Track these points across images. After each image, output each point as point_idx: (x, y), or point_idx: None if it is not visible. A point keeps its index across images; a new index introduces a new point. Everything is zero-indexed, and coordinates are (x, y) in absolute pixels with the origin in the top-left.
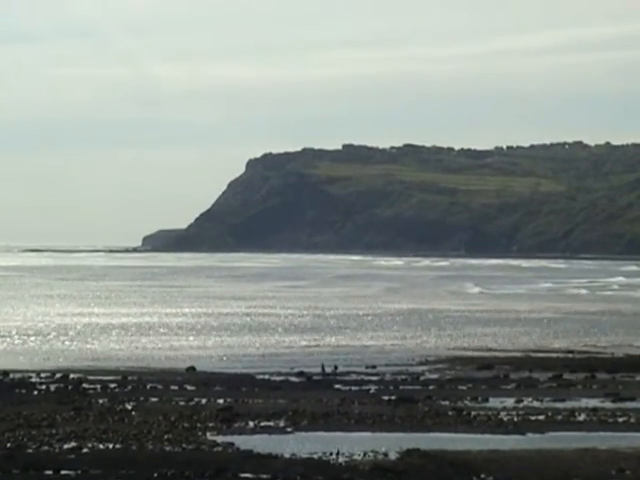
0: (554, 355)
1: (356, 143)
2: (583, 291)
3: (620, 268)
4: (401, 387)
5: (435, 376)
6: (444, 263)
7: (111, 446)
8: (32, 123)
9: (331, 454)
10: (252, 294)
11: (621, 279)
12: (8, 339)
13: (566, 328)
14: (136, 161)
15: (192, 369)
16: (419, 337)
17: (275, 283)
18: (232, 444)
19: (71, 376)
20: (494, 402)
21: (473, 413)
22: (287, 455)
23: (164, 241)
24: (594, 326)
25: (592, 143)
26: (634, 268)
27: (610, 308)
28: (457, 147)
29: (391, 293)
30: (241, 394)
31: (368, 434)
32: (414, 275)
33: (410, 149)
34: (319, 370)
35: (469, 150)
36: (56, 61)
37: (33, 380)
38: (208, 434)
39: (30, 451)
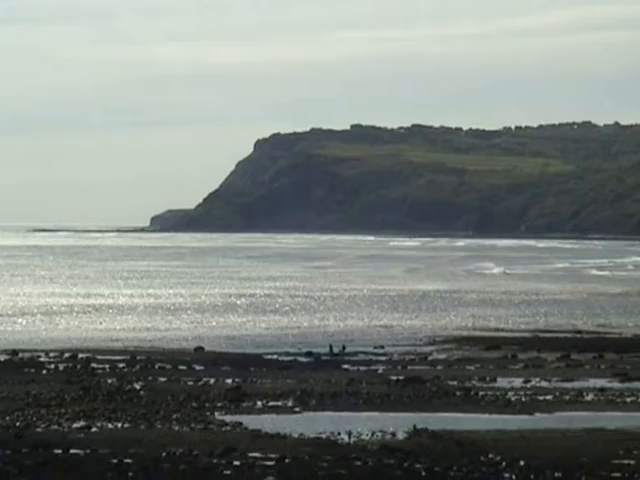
0: (562, 335)
1: (364, 123)
2: (605, 272)
3: (633, 248)
4: (409, 367)
5: (443, 356)
6: (460, 243)
7: (120, 425)
8: (38, 105)
9: (339, 434)
10: (283, 275)
11: (636, 259)
12: (69, 316)
13: (596, 310)
14: (145, 142)
15: (200, 349)
16: (447, 318)
17: (301, 264)
18: (240, 424)
19: (80, 356)
20: (502, 382)
21: (481, 393)
22: (295, 435)
23: (172, 221)
24: (621, 307)
25: (601, 123)
26: None
27: (636, 289)
28: (465, 127)
29: (415, 274)
30: (249, 374)
31: (376, 414)
32: (434, 256)
33: (418, 129)
34: (337, 350)
35: (478, 130)
36: (62, 43)
37: (42, 359)
38: (216, 414)
39: (39, 430)
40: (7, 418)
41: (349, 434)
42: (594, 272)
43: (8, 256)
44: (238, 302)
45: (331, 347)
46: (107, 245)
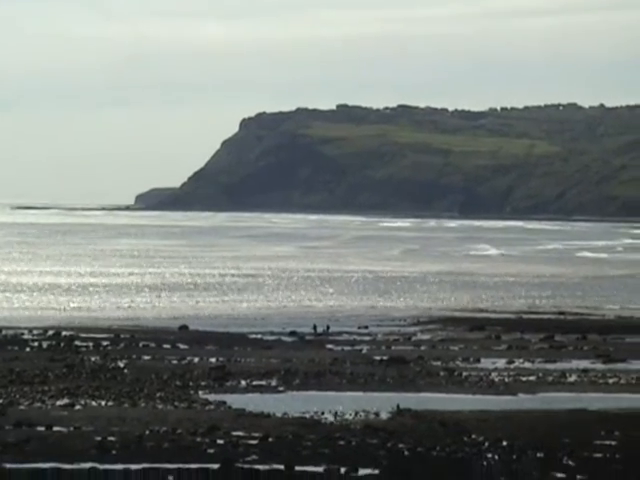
0: (545, 317)
1: (350, 103)
2: (599, 254)
3: (620, 230)
4: (393, 347)
5: (427, 337)
6: (451, 224)
7: (103, 403)
8: (24, 82)
9: (323, 413)
10: (280, 254)
11: (626, 241)
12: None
13: (598, 292)
14: (129, 120)
15: (185, 328)
16: (446, 301)
17: (298, 244)
18: (224, 403)
19: (63, 333)
20: (486, 363)
21: (464, 374)
22: (279, 414)
23: (157, 200)
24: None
25: (586, 105)
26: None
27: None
28: (451, 108)
29: (413, 255)
30: (234, 353)
31: (360, 394)
32: (427, 237)
33: (404, 110)
34: (321, 330)
35: (463, 111)
36: (49, 20)
37: (25, 337)
38: (200, 392)
39: (22, 407)
40: None
41: (335, 415)
42: (587, 254)
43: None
44: (241, 281)
45: (315, 327)
46: (99, 223)
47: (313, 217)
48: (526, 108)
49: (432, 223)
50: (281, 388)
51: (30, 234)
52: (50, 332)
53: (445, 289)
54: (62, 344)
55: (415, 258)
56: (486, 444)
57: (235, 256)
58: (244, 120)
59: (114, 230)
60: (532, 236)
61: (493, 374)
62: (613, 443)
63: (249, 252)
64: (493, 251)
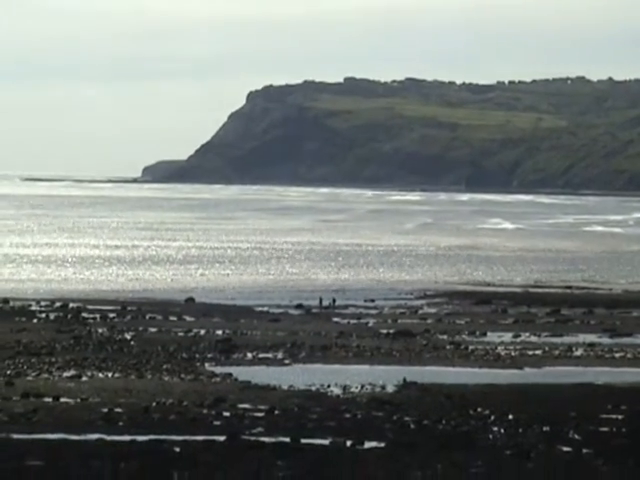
0: (552, 290)
1: (358, 76)
2: (613, 229)
3: (628, 204)
4: (399, 321)
5: (433, 310)
6: (463, 198)
7: (110, 375)
8: (30, 56)
9: (329, 386)
10: (297, 227)
11: (638, 215)
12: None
13: (624, 267)
14: (136, 93)
15: (191, 300)
16: (474, 275)
17: (315, 217)
18: (230, 375)
19: (70, 305)
20: (492, 337)
21: (471, 347)
22: (285, 387)
23: (164, 172)
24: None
25: (594, 78)
26: None
27: None
28: (459, 81)
29: (428, 228)
30: (240, 326)
31: (366, 367)
32: (441, 210)
33: (412, 83)
34: (327, 303)
35: (471, 84)
36: None
37: (33, 308)
38: (206, 365)
39: (30, 379)
40: None
41: (344, 388)
42: (601, 229)
43: (23, 206)
44: (264, 254)
45: (321, 300)
46: (111, 195)
47: (323, 190)
48: (534, 82)
49: (442, 196)
50: (287, 361)
51: (44, 206)
52: (58, 304)
53: (464, 263)
54: (69, 316)
55: (431, 232)
56: (492, 417)
57: (255, 229)
58: (251, 93)
59: (128, 203)
60: (543, 210)
61: (499, 348)
62: (619, 417)
63: (268, 225)
64: (507, 225)
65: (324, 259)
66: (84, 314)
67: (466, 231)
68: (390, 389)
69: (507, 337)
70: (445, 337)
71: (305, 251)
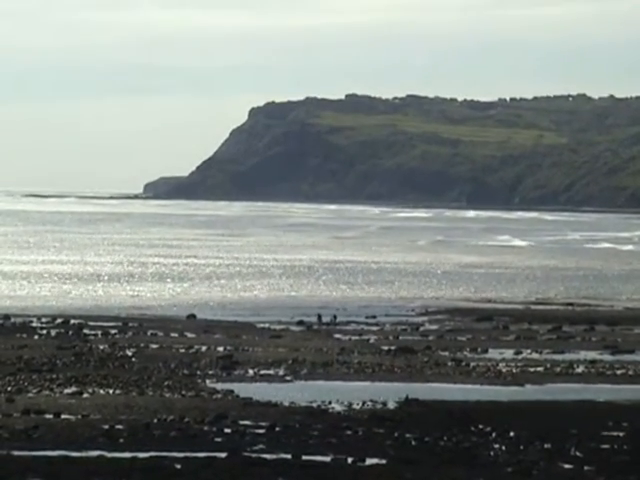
0: (554, 307)
1: (359, 93)
2: (628, 247)
3: (632, 222)
4: (401, 337)
5: (435, 327)
6: (470, 215)
7: (111, 392)
8: (31, 69)
9: (330, 403)
10: (313, 244)
11: None
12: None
13: None
14: (138, 108)
15: (192, 316)
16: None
17: (327, 234)
18: (232, 391)
19: (72, 321)
20: (493, 353)
21: (472, 364)
22: (286, 403)
23: (166, 188)
24: None
25: (596, 96)
26: None
27: None
28: (460, 98)
29: (441, 246)
30: (241, 342)
31: (367, 383)
32: (451, 227)
33: (413, 99)
34: (328, 319)
35: (472, 101)
36: (56, 6)
37: (34, 325)
38: (208, 381)
39: (31, 395)
40: None
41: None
42: (612, 246)
43: (33, 222)
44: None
45: (319, 316)
46: (120, 212)
47: (327, 207)
48: (535, 99)
49: (448, 213)
50: (288, 377)
51: (58, 223)
52: (59, 320)
53: (486, 281)
54: (70, 332)
55: (445, 249)
56: (493, 434)
57: (271, 245)
58: (253, 109)
59: (139, 219)
60: (548, 226)
61: (501, 364)
62: (621, 434)
63: (283, 241)
64: (518, 242)
65: (340, 276)
66: (85, 330)
67: (479, 248)
68: (391, 406)
69: (508, 354)
70: (446, 354)
71: (322, 268)
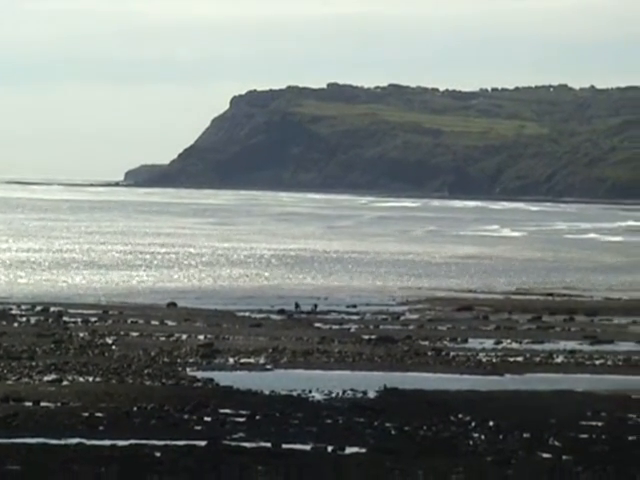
0: (534, 297)
1: (341, 82)
2: (617, 237)
3: (616, 212)
4: (381, 327)
5: (415, 316)
6: (457, 205)
7: (91, 379)
8: (13, 58)
9: (310, 392)
10: (310, 234)
11: (631, 223)
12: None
13: None
14: (119, 96)
15: (173, 304)
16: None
17: (322, 223)
18: (212, 380)
19: (52, 309)
20: (473, 343)
21: (452, 354)
22: (267, 392)
23: (147, 176)
24: None
25: (577, 86)
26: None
27: None
28: (442, 88)
29: (437, 236)
30: (222, 330)
31: (347, 372)
32: (443, 217)
33: (395, 89)
34: (309, 308)
35: (454, 91)
36: None
37: (13, 312)
38: (188, 370)
39: (10, 383)
40: None
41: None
42: (602, 237)
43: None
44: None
45: (297, 304)
46: (111, 200)
47: (313, 196)
48: (517, 89)
49: (435, 203)
50: (269, 366)
51: (55, 210)
52: (38, 307)
53: (491, 272)
54: (50, 320)
55: (440, 239)
56: (473, 424)
57: (265, 234)
58: (234, 97)
59: (131, 207)
60: (534, 216)
61: (480, 354)
62: (599, 424)
63: (284, 231)
64: (511, 232)
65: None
66: (65, 318)
67: (475, 238)
68: (371, 395)
69: (488, 344)
70: (427, 343)
71: (315, 258)
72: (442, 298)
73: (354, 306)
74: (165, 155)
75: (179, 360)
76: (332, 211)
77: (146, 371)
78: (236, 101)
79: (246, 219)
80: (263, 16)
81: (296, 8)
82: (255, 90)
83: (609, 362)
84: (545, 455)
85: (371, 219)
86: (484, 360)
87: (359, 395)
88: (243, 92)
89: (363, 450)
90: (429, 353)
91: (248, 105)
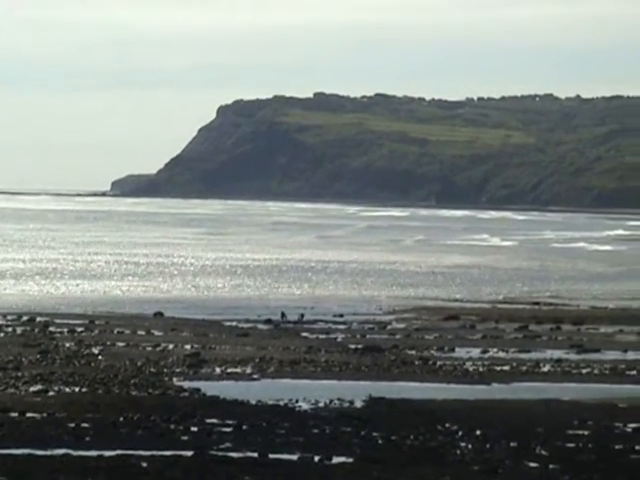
0: (520, 306)
1: (327, 91)
2: (606, 247)
3: (602, 222)
4: (368, 336)
5: (402, 325)
6: (445, 214)
7: (77, 390)
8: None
9: (297, 401)
10: (303, 244)
11: (620, 232)
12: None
13: None
14: (105, 106)
15: (160, 314)
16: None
17: (313, 233)
18: (198, 390)
19: (38, 319)
20: (460, 352)
21: (439, 363)
22: (253, 402)
23: (133, 186)
24: None
25: (562, 96)
26: (632, 223)
27: None
28: (428, 97)
29: (427, 245)
30: (208, 340)
31: (334, 382)
32: (432, 226)
33: (381, 98)
34: (296, 318)
35: (440, 101)
36: (26, 3)
37: None
38: (175, 379)
39: None
40: None
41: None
42: (590, 246)
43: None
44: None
45: (283, 314)
46: (103, 210)
47: (301, 205)
48: (503, 98)
49: (424, 212)
50: (256, 376)
51: (42, 220)
52: (24, 318)
53: (473, 281)
54: (36, 330)
55: (429, 249)
56: (460, 433)
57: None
58: (221, 107)
59: (117, 217)
60: (521, 225)
61: (467, 363)
62: (586, 433)
63: (273, 241)
64: (497, 241)
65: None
66: (51, 328)
67: (465, 248)
68: (358, 404)
69: (475, 353)
70: (414, 352)
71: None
72: (429, 307)
73: (341, 315)
74: (152, 165)
75: (166, 370)
76: (321, 220)
77: (132, 381)
78: (223, 110)
79: (234, 229)
80: (249, 26)
81: (282, 18)
82: (242, 100)
83: (596, 371)
84: (532, 464)
85: (360, 229)
86: (471, 369)
87: (346, 405)
88: (230, 101)
89: (350, 460)
90: (416, 362)
91: (235, 114)
